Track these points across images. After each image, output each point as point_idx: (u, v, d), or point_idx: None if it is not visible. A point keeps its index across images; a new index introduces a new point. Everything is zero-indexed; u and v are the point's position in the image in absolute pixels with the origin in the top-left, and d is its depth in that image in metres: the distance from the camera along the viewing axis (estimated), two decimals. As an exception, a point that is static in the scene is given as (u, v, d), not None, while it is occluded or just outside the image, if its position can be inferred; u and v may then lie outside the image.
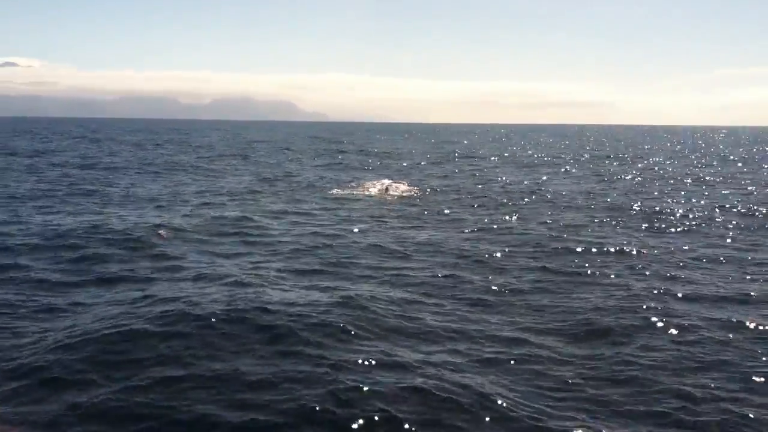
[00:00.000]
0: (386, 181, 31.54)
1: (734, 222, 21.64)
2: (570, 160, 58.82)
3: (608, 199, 27.69)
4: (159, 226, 18.83)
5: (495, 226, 20.47)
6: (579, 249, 16.75)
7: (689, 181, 37.34)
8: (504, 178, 37.75)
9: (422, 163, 51.41)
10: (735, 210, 24.43)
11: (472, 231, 19.66)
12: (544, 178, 38.87)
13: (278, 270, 14.20)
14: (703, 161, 57.60)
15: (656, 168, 48.28)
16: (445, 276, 13.96)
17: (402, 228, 20.18)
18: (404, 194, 28.72)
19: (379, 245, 16.96)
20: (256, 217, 21.46)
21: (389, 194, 28.59)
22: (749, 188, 32.78)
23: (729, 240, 18.60)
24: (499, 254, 16.09)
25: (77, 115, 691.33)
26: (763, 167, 49.26)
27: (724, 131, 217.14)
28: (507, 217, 22.53)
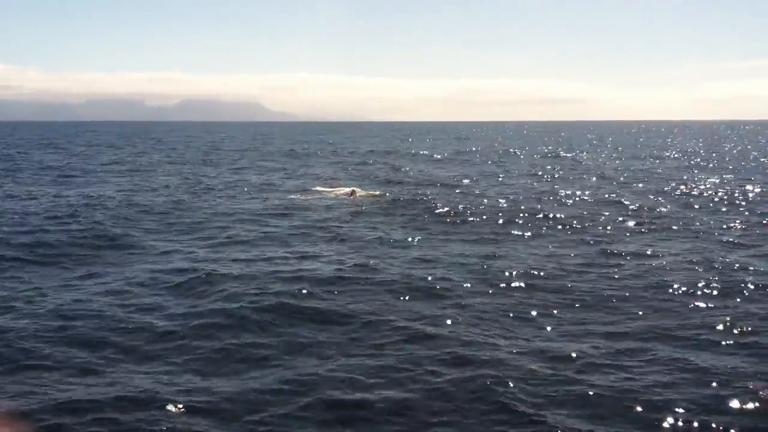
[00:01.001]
0: (349, 189, 30.25)
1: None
2: (517, 154, 60.08)
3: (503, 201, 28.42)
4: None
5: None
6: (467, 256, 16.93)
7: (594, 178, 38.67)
8: (423, 170, 38.72)
9: (372, 160, 51.90)
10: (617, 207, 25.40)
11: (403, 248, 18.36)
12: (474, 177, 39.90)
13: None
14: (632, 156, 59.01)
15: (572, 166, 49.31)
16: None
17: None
18: (369, 200, 27.64)
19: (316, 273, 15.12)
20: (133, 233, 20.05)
21: (352, 199, 27.81)
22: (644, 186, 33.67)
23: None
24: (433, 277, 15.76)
25: (44, 119, 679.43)
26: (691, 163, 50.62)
27: (697, 126, 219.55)
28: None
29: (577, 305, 12.57)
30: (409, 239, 19.02)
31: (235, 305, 12.20)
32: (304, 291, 13.22)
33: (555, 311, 12.23)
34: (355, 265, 15.52)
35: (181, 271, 14.95)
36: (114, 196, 28.98)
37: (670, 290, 13.37)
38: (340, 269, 15.12)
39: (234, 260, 16.27)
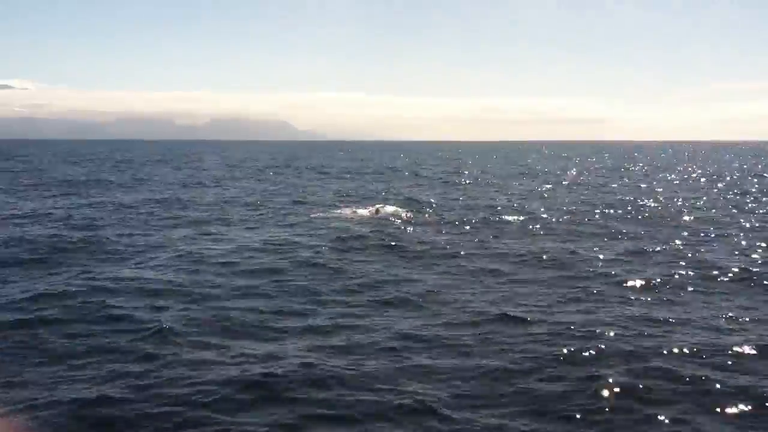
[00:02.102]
0: (376, 206, 30.28)
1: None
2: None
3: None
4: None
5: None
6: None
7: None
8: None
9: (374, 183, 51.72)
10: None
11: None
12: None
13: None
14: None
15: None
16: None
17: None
18: (393, 219, 27.21)
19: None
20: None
21: (377, 218, 27.40)
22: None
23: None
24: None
25: (73, 137, 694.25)
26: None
27: (688, 146, 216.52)
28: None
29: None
30: (431, 275, 16.92)
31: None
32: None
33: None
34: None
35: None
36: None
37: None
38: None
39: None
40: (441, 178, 58.77)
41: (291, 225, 25.50)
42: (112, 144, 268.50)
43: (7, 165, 75.91)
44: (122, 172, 63.54)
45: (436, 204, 34.41)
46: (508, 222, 26.93)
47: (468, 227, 25.35)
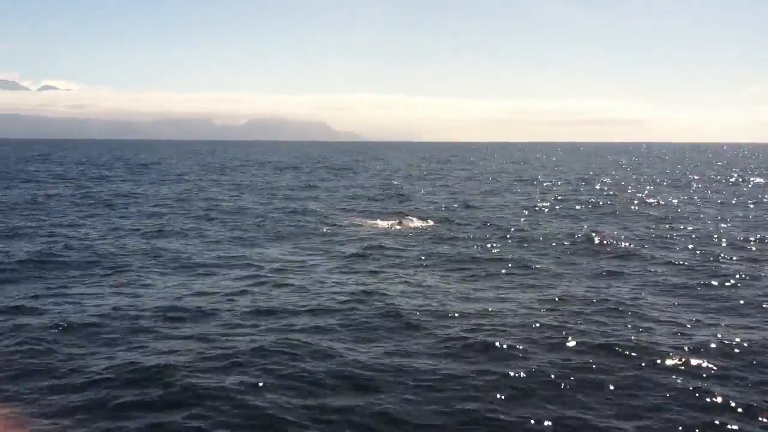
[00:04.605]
0: (396, 218, 29.22)
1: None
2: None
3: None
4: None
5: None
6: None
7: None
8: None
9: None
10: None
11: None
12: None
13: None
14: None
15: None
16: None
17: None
18: (416, 232, 25.97)
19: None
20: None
21: (400, 229, 26.39)
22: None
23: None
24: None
25: (115, 137, 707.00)
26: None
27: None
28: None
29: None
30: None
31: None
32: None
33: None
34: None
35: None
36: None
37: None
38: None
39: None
40: (467, 181, 58.17)
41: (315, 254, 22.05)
42: (155, 144, 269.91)
43: None
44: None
45: (468, 216, 32.35)
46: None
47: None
